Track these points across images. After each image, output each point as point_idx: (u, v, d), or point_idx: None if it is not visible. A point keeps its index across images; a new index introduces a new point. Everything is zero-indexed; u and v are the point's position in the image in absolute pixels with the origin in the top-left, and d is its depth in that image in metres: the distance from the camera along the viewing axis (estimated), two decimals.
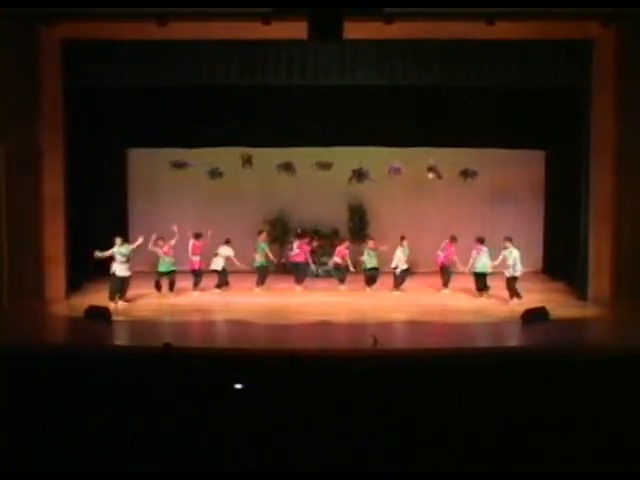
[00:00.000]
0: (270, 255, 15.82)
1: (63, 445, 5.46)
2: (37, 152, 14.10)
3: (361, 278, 15.70)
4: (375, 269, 15.47)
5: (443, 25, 13.33)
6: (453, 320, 12.97)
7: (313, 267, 16.77)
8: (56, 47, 13.92)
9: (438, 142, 16.25)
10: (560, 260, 16.47)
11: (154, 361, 7.53)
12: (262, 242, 15.65)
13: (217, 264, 15.22)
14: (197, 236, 15.09)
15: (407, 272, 15.35)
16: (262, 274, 15.63)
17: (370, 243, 15.46)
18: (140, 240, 14.00)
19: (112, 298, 13.60)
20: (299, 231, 16.54)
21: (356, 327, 12.56)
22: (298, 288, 15.62)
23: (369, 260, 15.40)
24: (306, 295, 15.12)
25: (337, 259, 15.76)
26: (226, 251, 15.27)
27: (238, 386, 6.58)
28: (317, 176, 16.74)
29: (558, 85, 14.19)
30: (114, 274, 13.63)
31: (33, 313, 13.27)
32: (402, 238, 15.26)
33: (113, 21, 13.33)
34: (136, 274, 14.33)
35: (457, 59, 13.87)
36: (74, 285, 14.81)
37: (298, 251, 15.82)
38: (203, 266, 15.19)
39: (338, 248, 15.88)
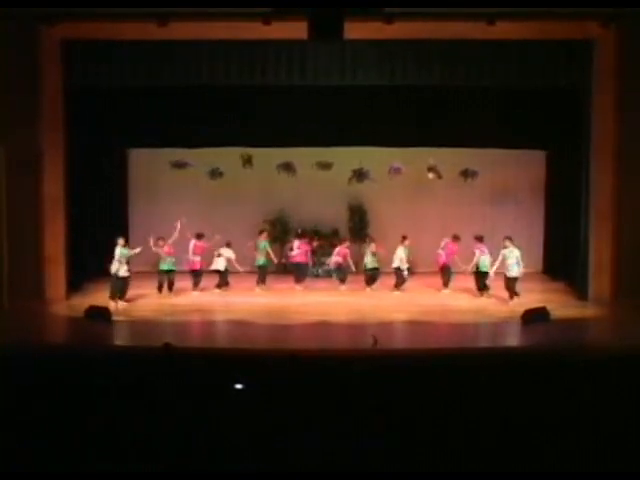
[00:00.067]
0: (271, 254, 15.83)
1: (63, 445, 5.46)
2: (37, 152, 14.11)
3: (361, 278, 15.71)
4: (375, 269, 15.47)
5: (443, 25, 13.33)
6: (453, 320, 12.97)
7: (313, 268, 16.80)
8: (56, 47, 13.92)
9: (438, 142, 16.26)
10: (560, 260, 16.47)
11: (154, 361, 7.52)
12: (263, 241, 15.66)
13: (219, 264, 15.23)
14: (199, 236, 15.11)
15: (408, 272, 15.35)
16: (263, 273, 15.64)
17: (372, 246, 15.45)
18: (138, 250, 14.06)
19: (113, 298, 13.62)
20: (299, 231, 16.56)
21: (356, 327, 12.56)
22: (298, 288, 15.62)
23: (370, 261, 15.40)
24: (306, 295, 15.13)
25: (338, 258, 15.74)
26: (227, 253, 15.29)
27: (238, 386, 6.58)
28: (317, 176, 16.74)
29: (558, 85, 14.20)
30: (116, 275, 13.64)
31: (33, 313, 13.27)
32: (404, 238, 15.25)
33: (113, 21, 13.34)
34: (136, 274, 14.34)
35: (457, 59, 13.87)
36: (74, 285, 14.80)
37: (299, 251, 15.82)
38: (204, 266, 15.21)
39: (338, 247, 15.87)
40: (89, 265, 15.49)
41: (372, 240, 15.68)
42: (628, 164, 14.07)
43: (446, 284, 15.33)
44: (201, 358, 8.41)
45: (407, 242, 15.18)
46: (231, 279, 15.46)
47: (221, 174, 16.66)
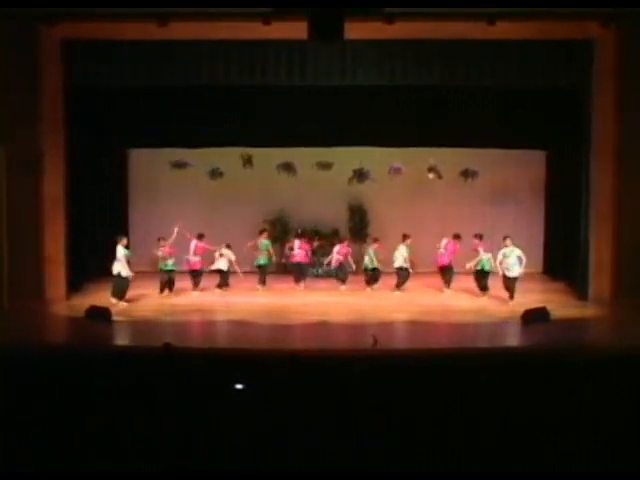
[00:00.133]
0: (271, 253, 15.84)
1: (63, 445, 5.46)
2: (37, 152, 14.10)
3: (361, 278, 15.71)
4: (376, 269, 15.47)
5: (443, 25, 13.33)
6: (453, 320, 12.97)
7: (313, 268, 16.80)
8: (56, 47, 13.92)
9: (438, 142, 16.26)
10: (560, 260, 16.47)
11: (154, 361, 7.52)
12: (265, 240, 15.66)
13: (222, 264, 15.23)
14: (200, 237, 15.13)
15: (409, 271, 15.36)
16: (264, 273, 15.64)
17: (375, 245, 15.43)
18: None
19: (116, 297, 13.67)
20: (299, 231, 16.54)
21: (356, 327, 12.55)
22: (298, 288, 15.62)
23: (371, 261, 15.38)
24: (306, 295, 15.13)
25: (340, 257, 15.72)
26: (228, 253, 15.29)
27: (238, 386, 6.58)
28: (317, 176, 16.74)
29: (558, 85, 14.20)
30: (119, 275, 13.65)
31: (33, 313, 13.27)
32: (405, 236, 15.23)
33: (113, 21, 13.33)
34: (136, 274, 14.33)
35: (457, 59, 13.87)
36: (74, 285, 14.80)
37: (300, 251, 15.82)
38: (204, 266, 15.22)
39: (339, 246, 15.81)
40: (89, 265, 15.49)
41: (376, 240, 15.65)
42: (628, 164, 14.07)
43: (448, 284, 15.32)
44: (201, 358, 8.42)
45: (409, 241, 15.17)
46: (231, 279, 15.46)
47: (221, 174, 16.65)
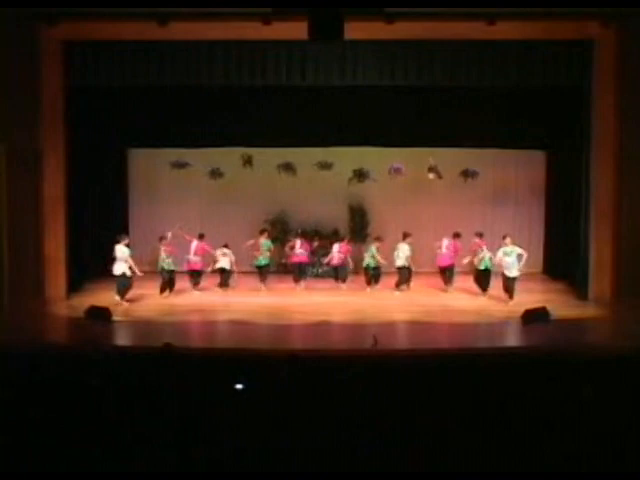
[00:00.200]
0: (271, 253, 15.85)
1: (63, 445, 5.46)
2: (37, 152, 14.11)
3: (361, 278, 15.71)
4: (377, 268, 15.46)
5: (443, 25, 13.34)
6: (453, 320, 12.96)
7: (313, 268, 16.80)
8: (56, 47, 13.92)
9: (438, 142, 16.24)
10: (560, 260, 16.47)
11: (154, 361, 7.52)
12: (266, 240, 15.67)
13: (225, 263, 15.23)
14: (200, 237, 15.14)
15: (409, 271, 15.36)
16: (266, 272, 15.64)
17: (377, 244, 15.39)
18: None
19: (122, 296, 13.74)
20: (299, 231, 16.52)
21: (356, 327, 12.55)
22: (298, 288, 15.62)
23: (373, 258, 15.36)
24: (306, 295, 15.12)
25: (341, 255, 15.68)
26: (229, 253, 15.29)
27: (238, 386, 6.58)
28: (317, 176, 16.73)
29: (558, 85, 14.19)
30: (124, 274, 13.68)
31: (33, 313, 13.28)
32: (406, 235, 15.21)
33: (113, 21, 13.35)
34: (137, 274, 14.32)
35: (457, 59, 13.87)
36: (74, 285, 14.81)
37: (302, 251, 15.81)
38: (204, 267, 15.23)
39: (339, 245, 15.75)
40: (89, 265, 15.49)
41: (378, 238, 15.62)
42: (628, 164, 14.07)
43: (451, 284, 15.33)
44: (201, 358, 8.42)
45: (409, 239, 15.17)
46: (231, 279, 15.46)
47: (221, 174, 16.63)
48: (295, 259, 15.85)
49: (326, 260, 16.02)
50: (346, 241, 16.01)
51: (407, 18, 13.17)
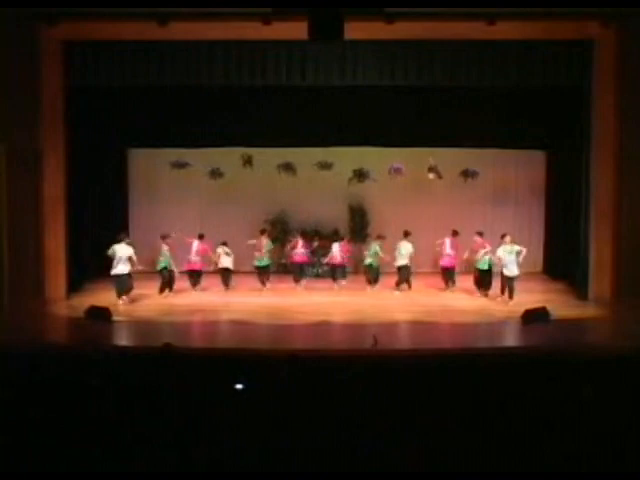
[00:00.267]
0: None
1: (63, 445, 5.46)
2: (37, 152, 14.11)
3: (361, 278, 15.71)
4: (377, 268, 15.45)
5: (443, 25, 13.34)
6: (453, 320, 12.97)
7: (313, 268, 16.80)
8: (56, 47, 13.92)
9: (438, 142, 16.24)
10: (560, 260, 16.47)
11: (154, 361, 7.52)
12: (268, 241, 15.66)
13: (228, 262, 15.22)
14: (200, 237, 15.15)
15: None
16: (267, 273, 15.63)
17: (379, 242, 15.35)
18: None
19: (127, 295, 13.81)
20: (298, 231, 16.49)
21: (356, 327, 12.55)
22: (298, 288, 15.61)
23: (376, 255, 15.32)
24: (306, 295, 15.12)
25: (342, 254, 15.65)
26: (229, 252, 15.29)
27: (238, 386, 6.58)
28: (317, 176, 16.73)
29: (558, 85, 14.20)
30: (129, 274, 13.73)
31: (33, 313, 13.28)
32: (407, 234, 15.22)
33: (113, 21, 13.35)
34: (136, 274, 14.32)
35: (457, 59, 13.88)
36: (74, 285, 14.81)
37: (304, 250, 15.80)
38: (204, 267, 15.23)
39: (340, 244, 15.72)
40: (89, 265, 15.49)
41: (379, 237, 15.59)
42: (628, 164, 14.08)
43: (453, 283, 15.32)
44: (201, 358, 8.42)
45: (410, 237, 15.17)
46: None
47: (221, 174, 16.63)
48: (297, 259, 15.83)
49: (326, 259, 15.99)
50: (346, 241, 16.00)
51: (407, 18, 13.18)
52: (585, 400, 6.12)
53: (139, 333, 12.38)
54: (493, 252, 14.22)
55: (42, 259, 14.28)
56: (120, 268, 13.69)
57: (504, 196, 17.76)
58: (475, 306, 13.95)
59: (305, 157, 16.57)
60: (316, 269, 16.95)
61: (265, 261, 15.58)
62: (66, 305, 13.97)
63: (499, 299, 13.89)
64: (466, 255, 14.82)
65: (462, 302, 14.37)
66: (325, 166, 16.57)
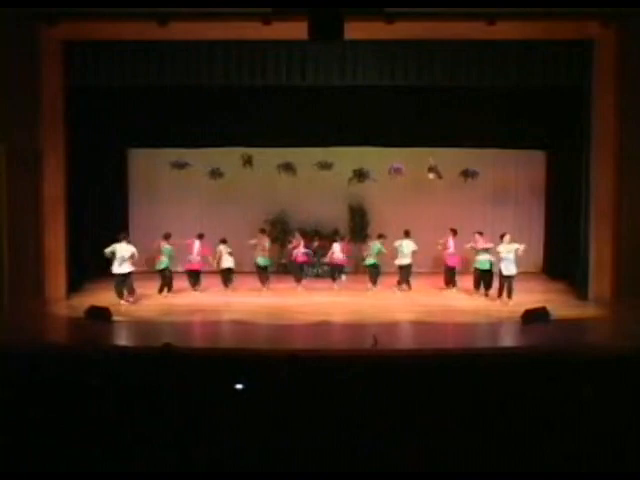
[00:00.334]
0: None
1: (63, 445, 5.46)
2: (37, 152, 14.11)
3: (361, 278, 15.70)
4: (378, 266, 15.44)
5: (443, 25, 13.34)
6: (453, 320, 12.97)
7: (313, 268, 16.80)
8: (56, 47, 13.92)
9: (438, 142, 16.24)
10: (560, 260, 16.47)
11: (154, 361, 7.52)
12: (268, 240, 15.67)
13: (230, 262, 15.22)
14: (200, 237, 15.15)
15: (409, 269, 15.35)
16: (268, 273, 15.63)
17: (381, 240, 15.34)
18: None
19: (132, 295, 13.86)
20: (300, 232, 16.49)
21: (356, 327, 12.55)
22: (300, 288, 15.60)
23: (379, 253, 15.31)
24: (306, 295, 15.12)
25: (343, 256, 15.64)
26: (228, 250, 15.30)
27: (238, 386, 6.58)
28: (317, 176, 16.73)
29: (558, 85, 14.19)
30: (130, 273, 13.76)
31: (33, 313, 13.28)
32: (408, 233, 15.21)
33: (113, 21, 13.35)
34: (136, 274, 14.32)
35: (457, 59, 13.88)
36: (74, 285, 14.81)
37: (306, 250, 15.80)
38: (204, 267, 15.23)
39: (340, 244, 15.71)
40: (89, 265, 15.49)
41: (380, 236, 15.54)
42: (628, 164, 14.08)
43: (454, 283, 15.33)
44: (201, 358, 8.42)
45: (410, 237, 15.17)
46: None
47: (221, 174, 16.62)
48: (300, 258, 15.81)
49: (327, 259, 15.94)
50: (346, 241, 16.00)
51: (407, 18, 13.18)
52: (585, 400, 6.11)
53: (139, 333, 12.38)
54: (493, 252, 14.21)
55: (42, 259, 14.28)
56: (122, 267, 13.68)
57: (504, 196, 17.76)
58: (475, 306, 13.95)
59: (305, 157, 16.57)
60: (316, 269, 16.95)
61: (267, 260, 15.57)
62: (66, 305, 13.97)
63: (498, 301, 13.87)
64: (469, 245, 14.77)
65: (462, 302, 14.37)
66: (325, 166, 16.57)
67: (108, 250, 13.69)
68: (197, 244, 15.06)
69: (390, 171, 16.25)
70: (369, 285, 15.38)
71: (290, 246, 16.17)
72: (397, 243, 15.21)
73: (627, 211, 14.15)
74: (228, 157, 16.64)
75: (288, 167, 16.54)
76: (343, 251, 15.66)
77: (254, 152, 16.47)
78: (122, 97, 15.09)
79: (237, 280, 15.51)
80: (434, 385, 6.66)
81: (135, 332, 12.48)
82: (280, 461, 5.28)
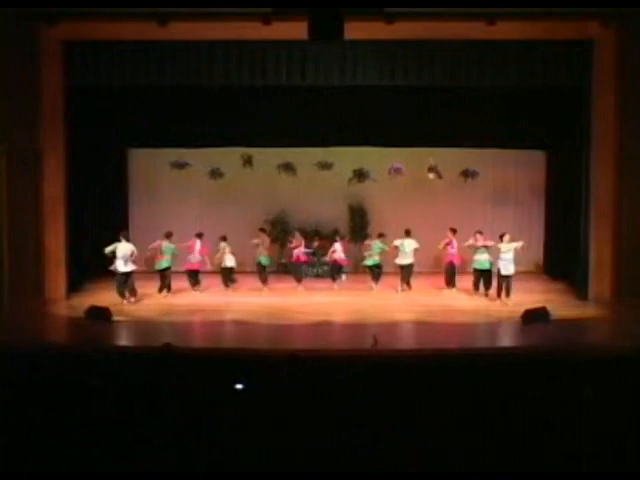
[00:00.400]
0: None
1: (63, 445, 5.46)
2: (38, 152, 14.11)
3: (361, 278, 15.70)
4: (380, 266, 15.44)
5: (443, 25, 13.34)
6: (453, 320, 12.97)
7: (313, 268, 16.80)
8: (56, 47, 13.92)
9: (438, 142, 16.24)
10: (560, 260, 16.47)
11: (154, 361, 7.52)
12: (268, 239, 15.66)
13: (231, 261, 15.22)
14: (199, 236, 15.13)
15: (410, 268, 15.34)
16: (267, 273, 15.63)
17: (381, 239, 15.33)
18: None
19: (133, 295, 13.90)
20: (300, 232, 16.48)
21: (356, 327, 12.55)
22: (300, 288, 15.60)
23: (381, 251, 15.30)
24: (306, 295, 15.11)
25: (343, 256, 15.63)
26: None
27: (238, 386, 6.58)
28: (317, 176, 16.73)
29: (558, 85, 14.19)
30: (131, 272, 13.77)
31: (33, 313, 13.28)
32: (408, 232, 15.21)
33: (113, 21, 13.35)
34: (136, 274, 14.33)
35: (457, 59, 13.88)
36: (74, 285, 14.81)
37: (307, 250, 15.80)
38: (204, 266, 15.23)
39: (340, 244, 15.68)
40: (89, 265, 15.49)
41: (381, 235, 15.51)
42: (628, 164, 14.08)
43: (454, 283, 15.33)
44: (201, 358, 8.42)
45: (411, 236, 15.17)
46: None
47: (221, 174, 16.62)
48: (302, 258, 15.80)
49: (328, 258, 15.90)
50: (346, 241, 15.99)
51: (407, 18, 13.18)
52: (585, 400, 6.11)
53: (139, 333, 12.38)
54: (492, 252, 14.21)
55: (42, 259, 14.28)
56: (123, 266, 13.68)
57: (504, 196, 17.76)
58: (475, 306, 13.95)
59: (305, 157, 16.57)
60: (316, 269, 16.95)
61: (267, 260, 15.58)
62: (66, 305, 13.97)
63: (498, 301, 13.87)
64: (469, 243, 14.76)
65: (462, 302, 14.37)
66: (325, 166, 16.57)
67: (108, 249, 13.69)
68: (198, 244, 15.05)
69: (390, 171, 16.24)
70: (372, 285, 15.38)
71: (290, 246, 16.16)
72: (398, 242, 15.20)
73: (627, 211, 14.15)
74: (228, 157, 16.64)
75: (288, 167, 16.54)
76: (344, 251, 15.64)
77: (254, 152, 16.46)
78: (122, 97, 15.08)
79: (239, 280, 15.49)
80: (434, 385, 6.66)
81: (135, 332, 12.48)
82: (280, 461, 5.28)
